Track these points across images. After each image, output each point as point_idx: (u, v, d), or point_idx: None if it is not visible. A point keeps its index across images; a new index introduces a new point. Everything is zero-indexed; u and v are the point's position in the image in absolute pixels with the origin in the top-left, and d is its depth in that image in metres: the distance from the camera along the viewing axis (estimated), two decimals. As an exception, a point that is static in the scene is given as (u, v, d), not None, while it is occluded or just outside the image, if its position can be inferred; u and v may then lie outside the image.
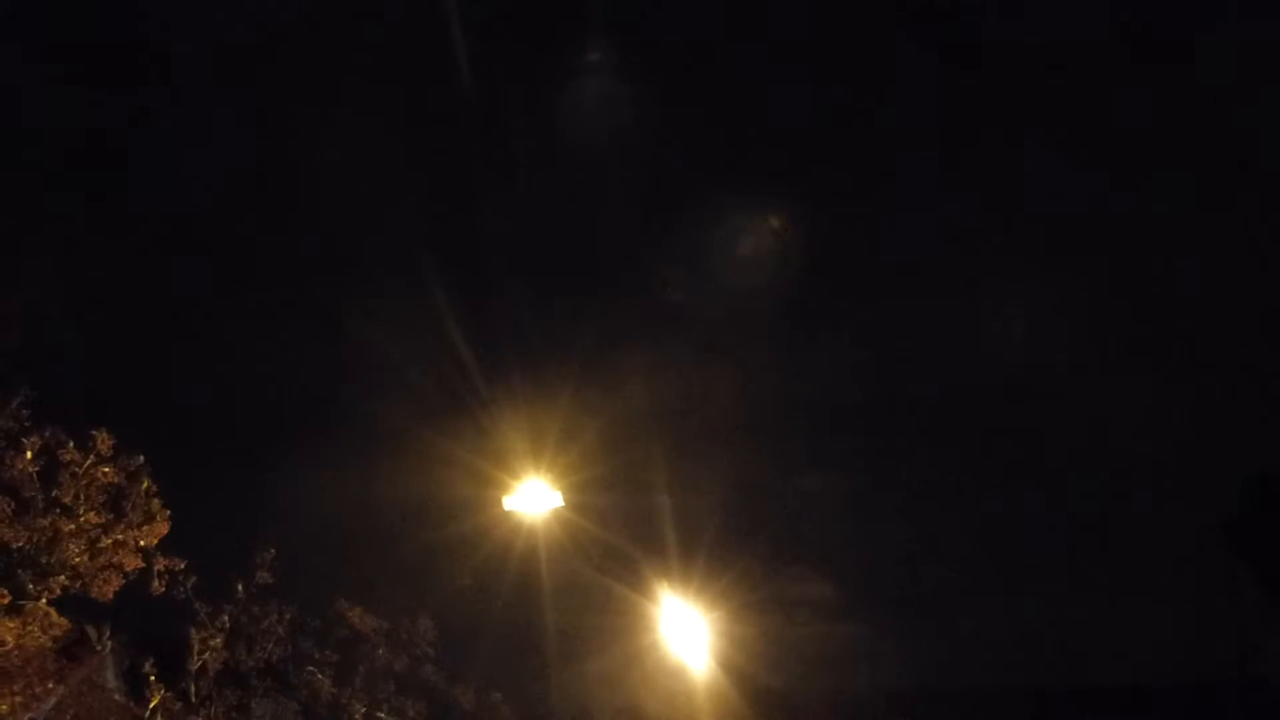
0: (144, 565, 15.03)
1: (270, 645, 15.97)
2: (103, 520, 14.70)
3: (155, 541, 15.05)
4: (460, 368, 18.33)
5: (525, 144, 18.19)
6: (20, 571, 14.37)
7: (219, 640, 15.53)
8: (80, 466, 14.61)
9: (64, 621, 14.51)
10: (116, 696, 15.30)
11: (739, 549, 18.80)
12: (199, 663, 15.53)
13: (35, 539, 14.41)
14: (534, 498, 17.94)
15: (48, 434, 14.49)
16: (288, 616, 16.15)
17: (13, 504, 14.30)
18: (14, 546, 14.33)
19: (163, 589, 15.27)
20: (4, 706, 14.07)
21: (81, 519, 14.60)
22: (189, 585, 15.47)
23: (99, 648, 15.05)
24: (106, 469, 14.74)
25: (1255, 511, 17.88)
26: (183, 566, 15.40)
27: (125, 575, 14.90)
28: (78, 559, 14.57)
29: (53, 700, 14.55)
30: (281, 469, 17.73)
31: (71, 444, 14.58)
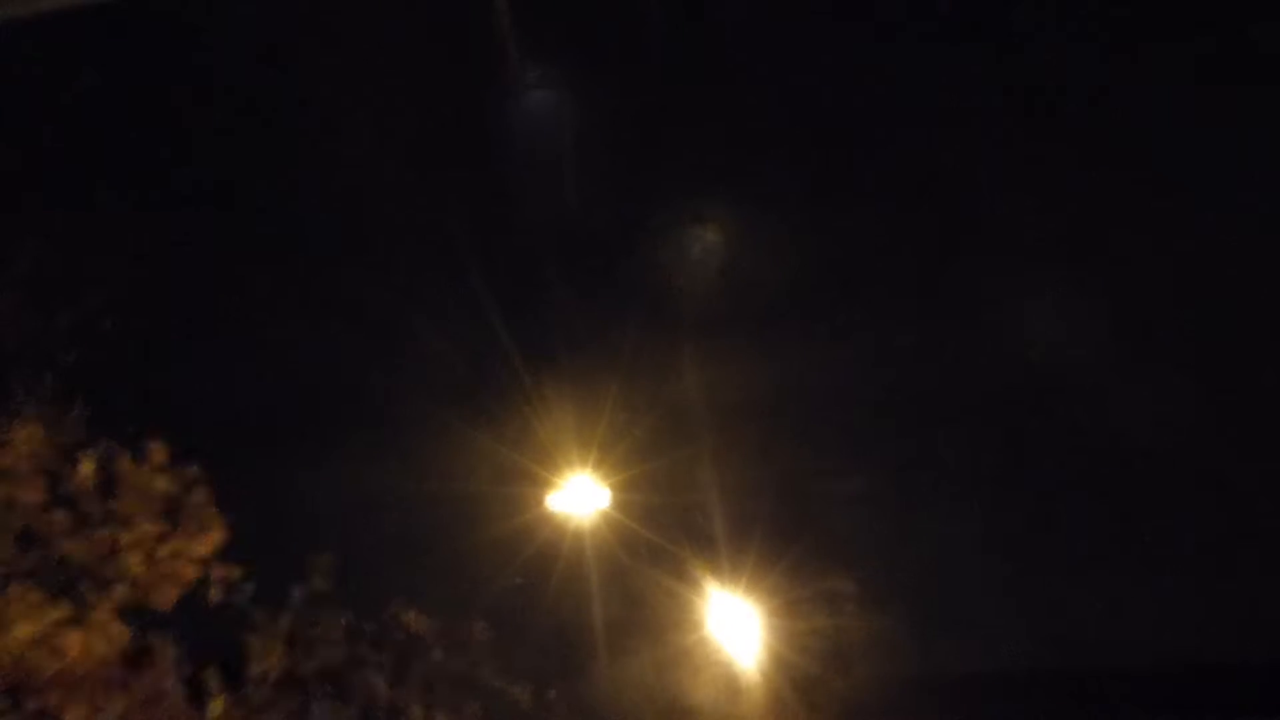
0: (201, 574, 15.21)
1: (327, 650, 16.06)
2: (160, 530, 14.91)
3: (212, 550, 15.23)
4: (506, 364, 18.36)
5: (566, 135, 18.18)
6: (81, 583, 14.58)
7: (278, 647, 15.64)
8: (136, 478, 14.80)
9: (126, 632, 14.72)
10: (179, 704, 15.45)
11: (787, 544, 18.79)
12: (259, 669, 15.65)
13: (95, 551, 14.62)
14: (580, 496, 18.00)
15: (104, 446, 14.70)
16: (343, 620, 16.25)
17: (71, 517, 14.52)
18: (75, 559, 14.54)
19: (220, 597, 15.42)
20: (69, 717, 14.28)
21: (139, 530, 14.80)
22: (246, 592, 15.58)
23: (161, 657, 15.19)
24: (162, 479, 14.94)
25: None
26: (239, 574, 15.54)
27: (184, 584, 15.08)
28: (137, 569, 14.78)
29: (118, 710, 14.74)
30: (329, 470, 17.81)
31: (128, 455, 14.78)
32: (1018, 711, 20.64)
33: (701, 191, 19.33)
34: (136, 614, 14.91)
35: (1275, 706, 18.07)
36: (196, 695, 15.57)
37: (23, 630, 13.99)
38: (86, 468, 14.70)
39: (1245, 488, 18.66)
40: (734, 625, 19.09)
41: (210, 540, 15.21)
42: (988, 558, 20.17)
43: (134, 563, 14.71)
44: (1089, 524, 20.09)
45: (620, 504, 18.14)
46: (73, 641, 14.15)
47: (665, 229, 20.10)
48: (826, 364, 19.51)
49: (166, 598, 14.94)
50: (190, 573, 15.12)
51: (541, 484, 18.11)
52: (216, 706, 15.29)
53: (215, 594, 15.36)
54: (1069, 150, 19.04)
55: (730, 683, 19.34)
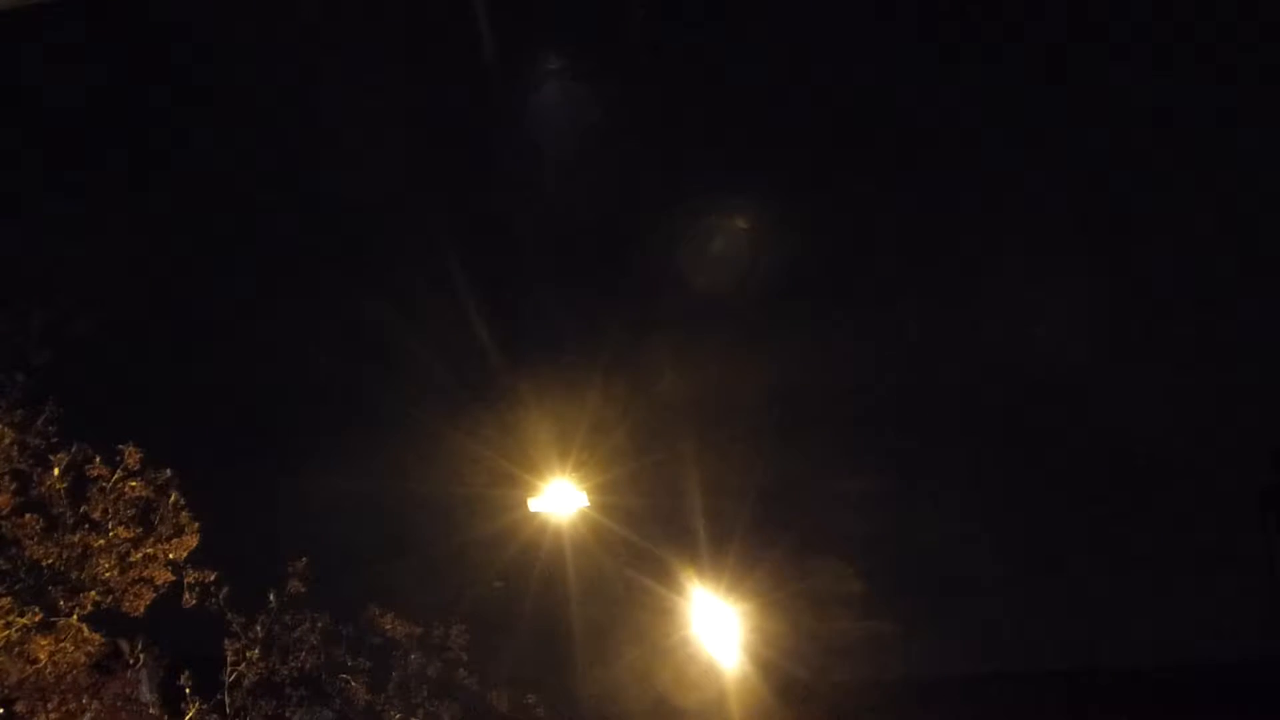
0: (175, 578, 15.00)
1: (304, 654, 15.88)
2: (132, 535, 14.68)
3: (185, 554, 15.02)
4: (485, 367, 18.25)
5: (550, 140, 18.07)
6: (52, 589, 14.36)
7: (254, 651, 15.45)
8: (109, 481, 14.59)
9: (97, 637, 14.51)
10: (151, 710, 15.29)
11: (768, 544, 18.72)
12: (234, 674, 15.46)
13: (66, 555, 14.39)
14: (560, 499, 17.87)
15: (75, 450, 14.47)
16: (320, 625, 16.06)
17: (42, 521, 14.30)
18: (45, 564, 14.31)
19: (194, 602, 15.22)
20: (40, 724, 14.07)
21: (111, 534, 14.59)
22: (221, 597, 15.39)
23: (132, 662, 15.00)
24: (135, 483, 14.72)
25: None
26: (213, 578, 15.34)
27: (157, 589, 14.88)
28: (109, 574, 14.55)
29: (88, 716, 14.54)
30: (307, 473, 17.65)
31: (99, 459, 14.56)
32: (998, 714, 20.66)
33: (686, 193, 19.27)
34: (109, 619, 14.69)
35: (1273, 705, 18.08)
36: (170, 701, 15.38)
37: (-8, 636, 13.77)
38: (58, 471, 14.45)
39: (1244, 490, 18.72)
40: (716, 626, 19.00)
41: (185, 544, 14.98)
42: (972, 559, 20.17)
43: (106, 567, 14.48)
44: (1081, 526, 20.09)
45: (600, 506, 18.03)
46: (43, 647, 13.92)
47: (648, 232, 20.02)
48: (810, 364, 19.46)
49: (139, 602, 14.71)
50: (164, 577, 14.89)
51: (521, 486, 17.99)
52: (190, 712, 15.10)
53: (190, 598, 15.15)
54: (1069, 152, 19.06)
55: (713, 684, 19.25)
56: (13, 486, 14.12)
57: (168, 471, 14.91)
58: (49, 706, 14.16)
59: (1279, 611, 17.61)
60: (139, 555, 14.69)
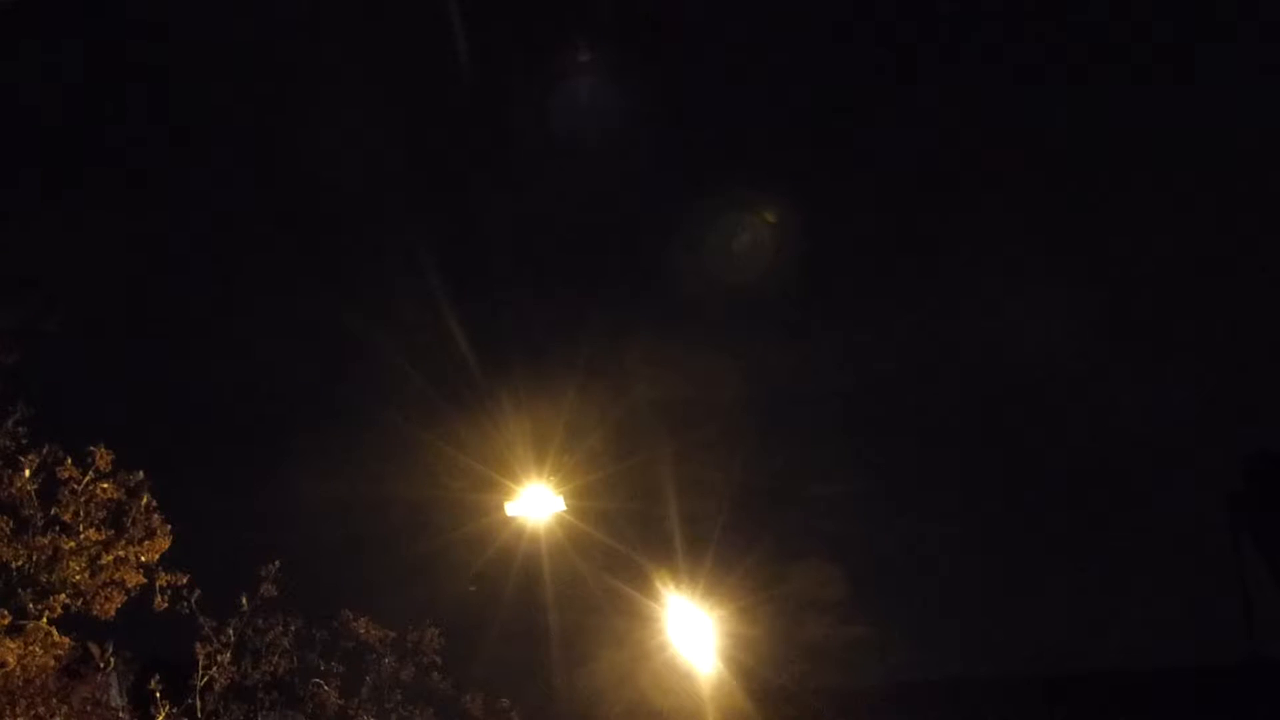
0: (146, 581, 14.88)
1: (276, 658, 15.80)
2: (103, 537, 14.54)
3: (157, 557, 14.89)
4: (462, 370, 18.26)
5: (527, 141, 18.14)
6: (21, 591, 14.22)
7: (225, 655, 15.36)
8: (79, 483, 14.47)
9: (66, 640, 14.35)
10: (121, 715, 15.14)
11: (745, 549, 18.76)
12: (205, 678, 15.36)
13: (35, 558, 14.25)
14: (536, 503, 17.88)
15: (45, 451, 14.37)
16: (293, 628, 15.99)
17: (12, 523, 14.17)
18: (14, 566, 14.18)
19: (166, 605, 15.10)
20: (8, 728, 13.92)
21: (82, 536, 14.45)
22: (193, 600, 15.30)
23: (102, 666, 14.87)
24: (106, 485, 14.59)
25: (1258, 486, 18.08)
26: (185, 581, 15.23)
27: (127, 592, 14.74)
28: (79, 577, 14.41)
29: (57, 720, 14.39)
30: (283, 476, 17.61)
31: (70, 461, 14.46)
32: (977, 718, 20.70)
33: (666, 199, 19.35)
34: (79, 622, 14.56)
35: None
36: (140, 705, 15.26)
37: (-42, 639, 13.63)
38: (28, 472, 14.35)
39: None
40: (692, 631, 19.00)
41: (156, 547, 14.85)
42: (952, 564, 20.26)
43: (76, 570, 14.34)
44: (1065, 525, 20.20)
45: (577, 510, 18.04)
46: (11, 650, 13.77)
47: (626, 237, 20.09)
48: (789, 368, 19.55)
49: (109, 605, 14.57)
50: (135, 580, 14.76)
51: (498, 490, 17.98)
52: (160, 716, 14.98)
53: (160, 601, 15.03)
54: (1063, 151, 19.18)
55: (689, 690, 19.24)
56: (-19, 489, 14.02)
57: (140, 474, 14.82)
58: (17, 711, 14.00)
59: (1249, 615, 17.74)
60: (110, 558, 14.55)
